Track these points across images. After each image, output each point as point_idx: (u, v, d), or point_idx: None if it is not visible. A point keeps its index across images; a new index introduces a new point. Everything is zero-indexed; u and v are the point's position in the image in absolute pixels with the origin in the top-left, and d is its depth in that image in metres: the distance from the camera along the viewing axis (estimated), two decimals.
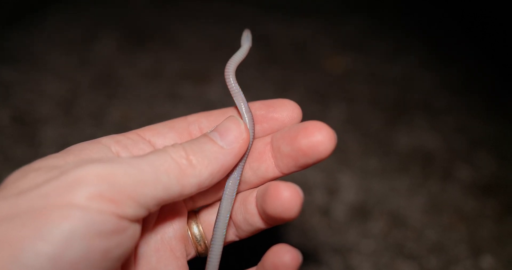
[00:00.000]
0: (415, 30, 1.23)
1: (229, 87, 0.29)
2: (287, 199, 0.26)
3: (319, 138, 0.26)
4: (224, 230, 0.28)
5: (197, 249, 0.31)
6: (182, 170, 0.24)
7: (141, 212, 0.23)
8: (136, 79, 0.84)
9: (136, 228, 0.24)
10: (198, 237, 0.30)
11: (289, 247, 0.27)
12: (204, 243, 0.30)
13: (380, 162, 0.73)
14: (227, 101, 0.82)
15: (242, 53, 0.30)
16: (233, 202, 0.28)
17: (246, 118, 0.29)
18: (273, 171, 0.29)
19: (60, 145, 0.67)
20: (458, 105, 0.93)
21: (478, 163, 0.76)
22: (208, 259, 0.28)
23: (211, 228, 0.30)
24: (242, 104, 0.29)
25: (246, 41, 0.31)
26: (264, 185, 0.29)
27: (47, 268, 0.20)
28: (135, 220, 0.24)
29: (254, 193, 0.30)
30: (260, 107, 0.30)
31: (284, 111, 0.29)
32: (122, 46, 0.93)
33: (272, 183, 0.27)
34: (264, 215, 0.28)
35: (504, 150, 0.80)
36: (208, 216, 0.31)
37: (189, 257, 0.31)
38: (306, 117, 0.83)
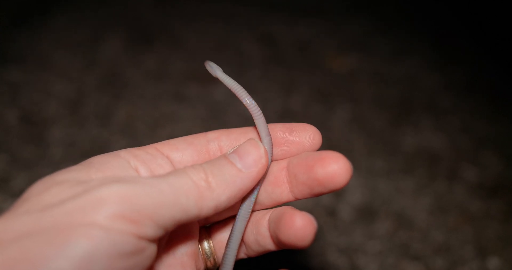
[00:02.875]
0: (420, 30, 1.22)
1: (250, 110, 0.29)
2: (301, 229, 0.26)
3: (336, 169, 0.26)
4: (236, 250, 0.28)
5: (206, 265, 0.31)
6: (201, 192, 0.24)
7: (159, 232, 0.24)
8: (142, 79, 0.84)
9: (154, 248, 0.24)
10: (208, 253, 0.31)
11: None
12: (214, 259, 0.31)
13: (386, 163, 0.73)
14: (232, 102, 0.82)
15: (228, 78, 0.30)
16: (246, 223, 0.28)
17: (266, 143, 0.29)
18: (287, 196, 0.29)
19: (67, 144, 0.67)
20: (463, 105, 0.92)
21: (484, 163, 0.76)
22: None
23: (221, 244, 0.31)
24: (262, 127, 0.29)
25: (216, 69, 0.31)
26: (278, 209, 0.29)
27: None
28: (153, 240, 0.24)
29: (267, 216, 0.30)
30: (281, 130, 0.30)
31: (305, 136, 0.29)
32: (128, 47, 0.93)
33: (287, 211, 0.27)
34: (277, 240, 0.28)
35: (510, 150, 0.80)
36: (219, 233, 0.31)
37: None
38: (310, 117, 0.83)
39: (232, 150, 0.28)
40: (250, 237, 0.30)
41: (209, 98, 0.83)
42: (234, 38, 1.05)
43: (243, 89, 0.29)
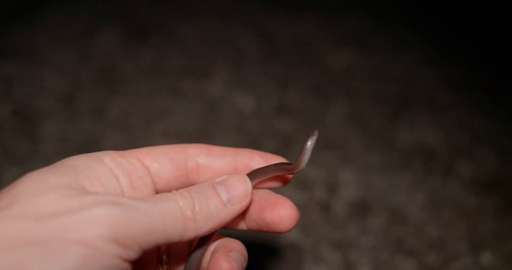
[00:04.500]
0: (417, 27, 1.22)
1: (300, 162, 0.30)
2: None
3: (283, 216, 0.29)
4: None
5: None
6: (186, 223, 0.26)
7: (139, 255, 0.25)
8: (137, 74, 0.84)
9: (130, 267, 0.25)
10: (162, 262, 0.32)
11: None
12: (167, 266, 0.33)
13: (381, 158, 0.72)
14: (228, 97, 0.81)
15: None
16: (205, 252, 0.30)
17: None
18: (241, 225, 0.32)
19: (60, 139, 0.67)
20: (460, 101, 0.92)
21: (479, 159, 0.75)
22: None
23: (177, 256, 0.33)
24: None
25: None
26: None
27: None
28: (130, 263, 0.25)
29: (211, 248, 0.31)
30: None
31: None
32: (123, 41, 0.93)
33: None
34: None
35: (505, 146, 0.79)
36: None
37: None
38: (308, 113, 0.83)
39: (220, 179, 0.29)
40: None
41: (205, 93, 0.82)
42: (231, 34, 1.04)
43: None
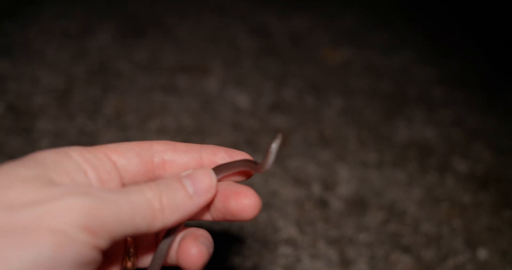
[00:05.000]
0: (414, 24, 1.22)
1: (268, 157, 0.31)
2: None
3: (246, 204, 0.30)
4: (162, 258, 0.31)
5: (126, 265, 0.33)
6: (154, 213, 0.27)
7: (109, 245, 0.25)
8: (132, 71, 0.83)
9: (101, 257, 0.26)
10: (129, 254, 0.33)
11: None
12: (133, 260, 0.33)
13: (378, 155, 0.72)
14: (223, 94, 0.81)
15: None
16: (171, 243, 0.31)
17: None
18: (206, 216, 0.32)
19: (54, 136, 0.66)
20: (456, 98, 0.92)
21: (475, 156, 0.76)
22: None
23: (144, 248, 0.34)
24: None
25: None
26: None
27: None
28: (101, 253, 0.26)
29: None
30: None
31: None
32: (118, 38, 0.92)
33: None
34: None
35: (501, 143, 0.79)
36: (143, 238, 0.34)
37: None
38: (304, 110, 0.82)
39: (186, 173, 0.30)
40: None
41: (199, 90, 0.82)
42: (227, 31, 1.04)
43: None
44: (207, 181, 0.29)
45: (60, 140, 0.66)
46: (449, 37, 1.17)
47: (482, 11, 1.22)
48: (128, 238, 0.32)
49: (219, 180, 0.31)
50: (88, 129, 0.68)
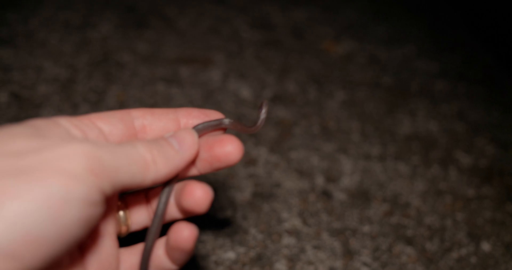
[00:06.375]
0: (416, 17, 1.21)
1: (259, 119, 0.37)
2: (199, 197, 0.31)
3: (231, 149, 0.32)
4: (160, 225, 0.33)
5: (120, 231, 0.34)
6: (147, 164, 0.28)
7: (110, 194, 0.26)
8: (134, 62, 0.83)
9: (104, 207, 0.26)
10: (122, 220, 0.34)
11: (186, 224, 0.31)
12: (127, 225, 0.34)
13: (381, 148, 0.72)
14: (225, 85, 0.81)
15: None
16: (167, 203, 0.33)
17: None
18: (193, 171, 0.34)
19: None
20: (458, 92, 0.92)
21: (479, 149, 0.75)
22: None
23: (135, 213, 0.35)
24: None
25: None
26: (182, 182, 0.33)
27: (30, 226, 0.22)
28: (104, 200, 0.26)
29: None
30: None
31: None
32: (120, 30, 0.91)
33: (188, 182, 0.32)
34: (180, 208, 0.33)
35: (503, 136, 0.79)
36: (134, 203, 0.35)
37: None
38: (307, 102, 0.82)
39: (169, 134, 0.31)
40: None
41: (202, 81, 0.81)
42: (229, 22, 1.03)
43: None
44: (190, 138, 0.31)
45: None
46: (452, 31, 1.17)
47: (485, 4, 1.21)
48: (118, 202, 0.34)
49: (200, 136, 0.34)
50: None
